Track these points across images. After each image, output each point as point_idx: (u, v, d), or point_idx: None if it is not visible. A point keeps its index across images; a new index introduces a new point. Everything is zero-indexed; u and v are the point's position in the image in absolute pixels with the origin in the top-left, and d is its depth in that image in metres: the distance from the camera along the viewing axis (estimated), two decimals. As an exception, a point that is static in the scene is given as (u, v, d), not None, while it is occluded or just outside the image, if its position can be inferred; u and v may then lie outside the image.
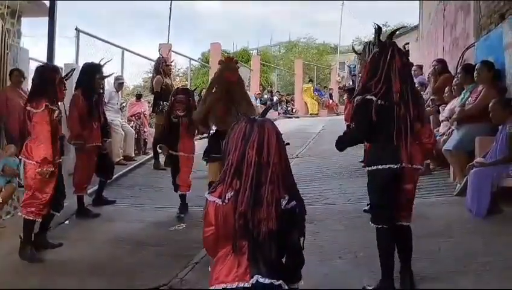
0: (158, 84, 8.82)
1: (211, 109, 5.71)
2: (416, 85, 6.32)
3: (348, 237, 5.13)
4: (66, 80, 5.36)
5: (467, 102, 6.31)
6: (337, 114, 19.60)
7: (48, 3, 7.80)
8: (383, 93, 3.66)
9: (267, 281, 2.23)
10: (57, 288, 4.36)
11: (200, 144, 7.36)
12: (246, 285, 2.23)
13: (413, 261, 3.76)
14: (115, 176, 7.69)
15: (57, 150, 5.07)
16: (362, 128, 3.85)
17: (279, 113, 18.87)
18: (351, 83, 10.87)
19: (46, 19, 7.79)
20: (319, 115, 20.81)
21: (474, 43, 7.55)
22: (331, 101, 22.39)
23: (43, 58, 7.87)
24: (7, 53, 7.70)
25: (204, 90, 11.63)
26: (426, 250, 4.45)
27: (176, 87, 9.32)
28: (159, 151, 6.91)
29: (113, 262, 5.00)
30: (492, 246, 4.53)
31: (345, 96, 12.24)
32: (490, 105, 5.61)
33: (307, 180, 7.54)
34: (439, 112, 7.33)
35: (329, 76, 26.22)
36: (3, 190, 6.06)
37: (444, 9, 10.18)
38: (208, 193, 2.33)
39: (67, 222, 6.20)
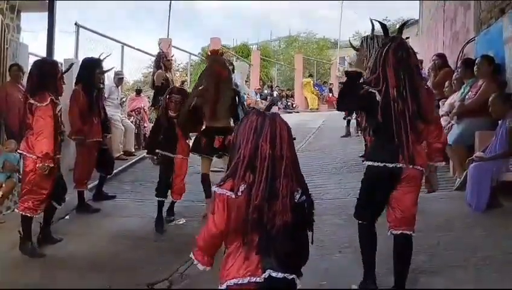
0: (159, 78, 8.81)
1: (202, 105, 5.68)
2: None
3: (348, 231, 5.11)
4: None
5: (466, 96, 6.31)
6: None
7: (47, -2, 7.78)
8: (384, 89, 3.56)
9: (280, 275, 2.22)
10: (58, 283, 4.37)
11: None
12: (258, 280, 2.22)
13: (413, 255, 3.72)
14: (115, 171, 7.70)
15: (57, 146, 5.06)
16: (346, 102, 3.80)
17: (279, 108, 18.85)
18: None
19: (46, 14, 7.77)
20: (319, 110, 20.79)
21: (474, 37, 7.54)
22: (331, 95, 22.36)
23: (43, 53, 7.85)
24: (7, 48, 7.68)
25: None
26: (426, 244, 4.47)
27: (176, 82, 9.33)
28: (147, 156, 6.35)
29: (113, 257, 5.02)
30: (492, 240, 4.55)
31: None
32: (490, 99, 5.61)
33: (307, 175, 7.36)
34: (439, 107, 7.32)
35: (330, 71, 26.18)
36: (3, 185, 6.07)
37: (444, 4, 10.16)
38: (217, 186, 2.29)
39: (67, 217, 6.22)
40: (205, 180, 5.85)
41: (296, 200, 2.27)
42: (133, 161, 9.18)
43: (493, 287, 3.76)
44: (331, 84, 23.64)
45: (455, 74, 7.05)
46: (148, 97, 10.98)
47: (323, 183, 7.19)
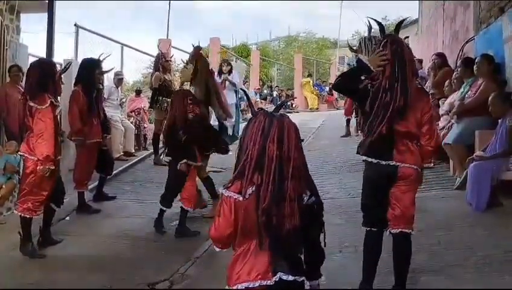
0: (157, 80, 8.82)
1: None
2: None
3: (349, 231, 5.14)
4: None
5: (466, 96, 6.31)
6: (337, 109, 19.59)
7: (47, -2, 7.78)
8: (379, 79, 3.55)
9: (291, 278, 2.21)
10: (58, 283, 4.38)
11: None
12: (269, 283, 2.20)
13: (413, 254, 3.71)
14: (115, 172, 7.70)
15: (58, 148, 5.06)
16: (341, 84, 3.79)
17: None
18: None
19: (45, 14, 7.77)
20: (319, 109, 20.79)
21: (474, 36, 7.54)
22: (330, 95, 22.35)
23: (42, 54, 7.85)
24: (6, 49, 7.69)
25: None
26: (426, 243, 4.48)
27: (176, 82, 9.29)
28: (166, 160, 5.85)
29: (113, 257, 5.02)
30: (492, 240, 4.55)
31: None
32: (490, 99, 5.61)
33: None
34: (439, 106, 7.32)
35: (329, 70, 26.19)
36: (3, 186, 6.08)
37: (444, 4, 10.16)
38: (224, 188, 2.28)
39: (68, 217, 6.22)
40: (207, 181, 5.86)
41: (304, 203, 2.25)
42: (133, 161, 9.18)
43: (493, 286, 3.76)
44: (330, 84, 23.62)
45: (455, 73, 7.05)
46: (148, 98, 10.98)
47: (324, 183, 7.18)
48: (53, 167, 4.85)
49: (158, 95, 8.79)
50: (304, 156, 2.34)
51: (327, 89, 22.73)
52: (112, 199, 6.99)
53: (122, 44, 11.08)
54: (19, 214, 4.94)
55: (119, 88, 9.86)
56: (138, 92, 11.24)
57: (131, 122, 10.20)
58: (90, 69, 6.46)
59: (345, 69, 13.01)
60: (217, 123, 6.95)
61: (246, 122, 2.37)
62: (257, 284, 2.21)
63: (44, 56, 7.62)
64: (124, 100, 10.74)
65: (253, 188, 2.21)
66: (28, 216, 4.93)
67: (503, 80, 6.09)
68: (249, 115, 2.50)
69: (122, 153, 9.41)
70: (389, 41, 3.60)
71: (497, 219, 5.04)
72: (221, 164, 7.61)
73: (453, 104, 6.60)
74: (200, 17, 47.03)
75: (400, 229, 3.61)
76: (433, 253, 4.38)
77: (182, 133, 5.49)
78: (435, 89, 7.67)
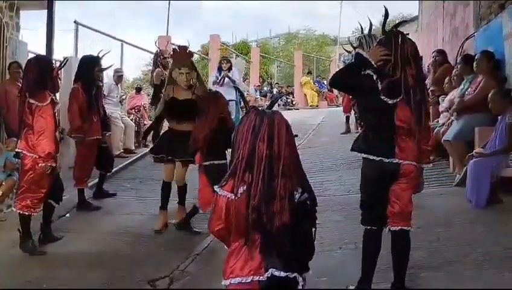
0: (158, 77, 8.82)
1: None
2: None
3: (348, 227, 5.14)
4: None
5: (466, 92, 6.31)
6: (337, 106, 19.57)
7: (46, -4, 7.78)
8: (397, 74, 3.49)
9: (282, 274, 2.22)
10: (58, 280, 4.39)
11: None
12: (261, 278, 2.22)
13: (413, 251, 3.73)
14: (115, 169, 7.71)
15: (57, 145, 5.06)
16: (340, 79, 3.73)
17: (278, 105, 18.85)
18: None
19: (45, 11, 7.77)
20: (319, 106, 20.78)
21: (474, 33, 7.54)
22: (330, 92, 22.33)
23: (42, 51, 7.86)
24: (6, 46, 7.68)
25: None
26: (426, 240, 4.48)
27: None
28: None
29: (114, 254, 5.03)
30: (491, 236, 4.55)
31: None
32: (489, 95, 5.61)
33: (306, 172, 7.41)
34: (439, 103, 7.33)
35: (329, 68, 26.15)
36: (3, 183, 6.08)
37: (444, 1, 10.14)
38: (219, 187, 2.30)
39: (68, 215, 6.23)
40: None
41: (296, 200, 2.26)
42: (133, 158, 9.19)
43: (493, 283, 3.76)
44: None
45: (455, 70, 7.05)
46: (148, 95, 10.98)
47: (323, 180, 7.20)
48: (54, 164, 4.85)
49: (160, 92, 8.79)
50: (296, 152, 2.35)
51: (327, 86, 22.69)
52: (112, 196, 7.00)
53: (122, 41, 11.07)
54: (18, 211, 4.94)
55: (119, 85, 9.86)
56: (138, 90, 11.23)
57: (131, 120, 10.20)
58: (90, 66, 6.46)
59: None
60: None
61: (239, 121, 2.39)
62: (249, 279, 2.23)
63: (44, 53, 7.63)
64: (124, 97, 10.75)
65: (245, 187, 2.23)
66: (26, 213, 4.94)
67: (503, 77, 6.10)
68: None
69: (122, 150, 9.41)
70: (405, 38, 3.57)
71: (497, 215, 5.05)
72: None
73: (452, 101, 6.61)
74: (200, 14, 46.97)
75: (399, 227, 3.61)
76: (432, 250, 4.38)
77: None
78: (434, 85, 7.68)
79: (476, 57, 6.30)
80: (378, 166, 3.55)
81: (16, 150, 5.22)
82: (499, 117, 5.51)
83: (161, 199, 5.75)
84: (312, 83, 21.83)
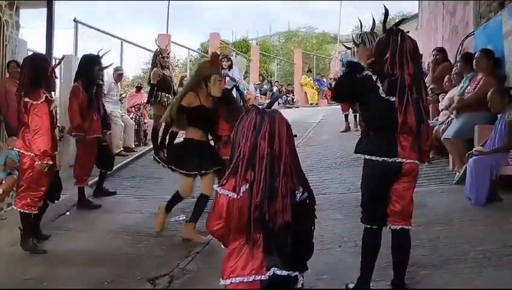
0: (155, 76, 8.82)
1: None
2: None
3: (348, 226, 5.15)
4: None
5: (466, 91, 6.32)
6: (338, 104, 19.54)
7: (46, -6, 7.78)
8: (395, 75, 3.49)
9: (284, 273, 2.23)
10: (59, 278, 4.40)
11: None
12: (263, 278, 2.23)
13: (413, 249, 3.74)
14: (115, 167, 7.72)
15: (54, 142, 5.06)
16: (341, 92, 3.79)
17: (278, 104, 18.85)
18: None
19: (45, 10, 7.76)
20: (319, 104, 20.77)
21: (474, 31, 7.54)
22: (330, 91, 22.32)
23: (42, 49, 7.86)
24: (6, 45, 7.68)
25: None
26: (425, 238, 4.49)
27: (177, 78, 9.29)
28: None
29: (114, 252, 5.04)
30: (491, 234, 4.56)
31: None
32: (489, 94, 5.62)
33: (306, 170, 7.39)
34: (438, 101, 7.33)
35: (329, 65, 26.14)
36: (3, 182, 6.09)
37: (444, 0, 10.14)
38: (219, 186, 2.29)
39: (68, 213, 6.24)
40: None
41: (297, 199, 2.27)
42: (133, 157, 9.20)
43: (493, 280, 3.77)
44: (330, 78, 23.60)
45: (454, 68, 7.05)
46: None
47: (323, 178, 7.20)
48: (51, 162, 4.85)
49: (157, 91, 8.79)
50: (295, 151, 2.35)
51: (327, 84, 22.67)
52: (112, 194, 7.01)
53: (121, 39, 11.07)
54: (19, 209, 4.95)
55: (118, 83, 9.86)
56: (139, 88, 11.23)
57: (131, 118, 10.21)
58: (90, 65, 6.47)
59: (339, 66, 12.94)
60: None
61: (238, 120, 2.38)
62: (251, 279, 2.23)
63: (44, 52, 7.63)
64: (123, 95, 10.75)
65: (247, 185, 2.23)
66: (27, 212, 4.94)
67: (503, 75, 6.10)
68: None
69: (122, 149, 9.42)
70: (405, 36, 3.58)
71: (497, 213, 5.06)
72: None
73: (452, 99, 6.61)
74: (200, 12, 46.94)
75: (400, 226, 3.62)
76: (432, 248, 4.39)
77: None
78: (434, 84, 7.68)
79: (475, 56, 6.30)
80: (381, 165, 3.55)
81: (15, 149, 5.23)
82: (499, 115, 5.52)
83: (169, 203, 5.48)
84: (312, 82, 21.82)
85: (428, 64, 8.15)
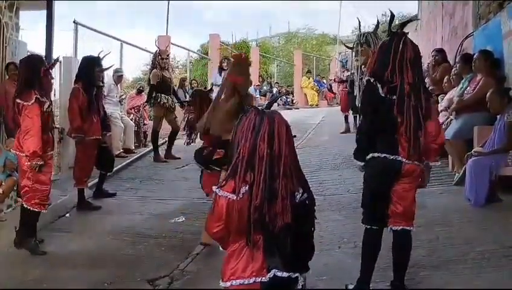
0: (154, 77, 8.84)
1: None
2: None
3: (347, 227, 5.16)
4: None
5: (465, 91, 6.32)
6: (338, 104, 19.54)
7: (46, -4, 7.79)
8: (395, 82, 3.50)
9: (285, 274, 2.23)
10: (59, 280, 4.40)
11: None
12: (264, 279, 2.22)
13: (412, 250, 3.73)
14: (115, 169, 7.71)
15: (49, 142, 5.08)
16: (368, 120, 3.67)
17: (278, 105, 18.85)
18: (344, 76, 10.96)
19: (45, 12, 7.77)
20: (319, 105, 20.78)
21: (473, 32, 7.54)
22: (330, 92, 22.32)
23: (42, 51, 7.85)
24: (5, 47, 7.68)
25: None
26: (425, 239, 4.50)
27: (177, 79, 9.27)
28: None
29: (114, 254, 5.05)
30: (490, 235, 4.57)
31: (340, 87, 12.21)
32: (488, 95, 5.62)
33: (306, 171, 7.41)
34: (438, 102, 7.33)
35: (329, 66, 26.15)
36: (3, 183, 6.09)
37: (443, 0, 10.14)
38: (218, 188, 2.28)
39: (68, 215, 6.24)
40: None
41: (297, 200, 2.26)
42: (133, 158, 9.19)
43: (492, 281, 3.78)
44: (330, 80, 23.60)
45: (454, 69, 7.06)
46: (148, 95, 10.95)
47: (323, 179, 7.20)
48: (41, 162, 4.87)
49: (156, 92, 8.81)
50: (295, 152, 2.34)
51: (327, 85, 22.68)
52: (112, 195, 7.00)
53: (121, 41, 11.07)
54: (29, 207, 4.95)
55: (118, 85, 9.87)
56: (140, 91, 11.21)
57: (131, 119, 10.20)
58: (90, 67, 6.48)
59: (339, 67, 12.92)
60: None
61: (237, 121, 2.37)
62: (252, 281, 2.23)
63: (44, 53, 7.63)
64: (123, 97, 10.75)
65: (247, 187, 2.22)
66: (37, 210, 4.97)
67: (502, 76, 6.10)
68: None
69: (122, 150, 9.42)
70: (407, 42, 3.57)
71: (496, 214, 5.06)
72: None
73: (452, 100, 6.61)
74: (199, 13, 46.92)
75: (401, 227, 3.62)
76: (431, 248, 4.40)
77: None
78: (434, 85, 7.68)
79: (474, 57, 6.31)
80: (381, 163, 3.56)
81: (11, 150, 5.25)
82: (498, 116, 5.52)
83: None
84: (312, 83, 21.82)
85: (427, 66, 8.16)
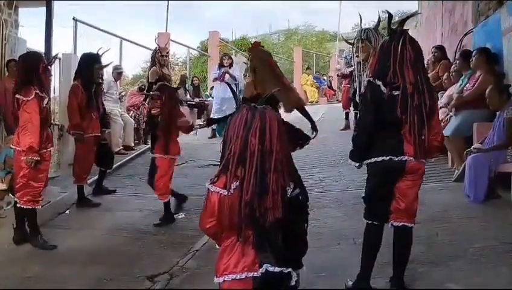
0: (153, 74, 8.83)
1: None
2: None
3: (347, 223, 5.16)
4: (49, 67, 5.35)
5: (465, 88, 6.32)
6: (338, 100, 19.53)
7: (44, -7, 7.78)
8: (397, 82, 3.48)
9: (277, 269, 2.23)
10: (59, 276, 4.41)
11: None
12: (256, 274, 2.23)
13: (412, 245, 3.72)
14: (114, 166, 7.72)
15: (48, 138, 5.08)
16: (368, 118, 3.64)
17: (278, 102, 18.79)
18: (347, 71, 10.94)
19: (44, 9, 7.76)
20: (319, 102, 20.76)
21: (473, 29, 7.54)
22: (330, 89, 22.30)
23: (41, 48, 7.85)
24: (5, 44, 7.68)
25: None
26: (424, 235, 4.50)
27: (177, 76, 9.28)
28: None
29: (113, 250, 5.05)
30: (489, 231, 4.58)
31: (343, 83, 12.18)
32: (487, 92, 5.62)
33: (306, 168, 7.56)
34: (437, 99, 7.33)
35: (329, 63, 26.12)
36: (3, 180, 6.09)
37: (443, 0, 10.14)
38: (210, 183, 2.29)
39: (67, 211, 6.25)
40: None
41: (288, 195, 2.27)
42: (133, 155, 9.19)
43: (491, 277, 3.78)
44: (330, 76, 23.58)
45: (453, 65, 7.06)
46: (149, 92, 10.93)
47: (323, 176, 7.21)
48: (37, 158, 4.87)
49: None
50: (287, 147, 2.34)
51: (327, 82, 22.66)
52: (112, 192, 7.01)
53: (121, 38, 11.06)
54: (23, 207, 4.97)
55: (118, 82, 9.86)
56: (141, 89, 11.20)
57: (130, 116, 10.20)
58: (90, 64, 6.47)
59: (342, 64, 12.88)
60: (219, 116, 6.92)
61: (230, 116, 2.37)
62: (244, 275, 2.23)
63: (43, 50, 7.63)
64: (123, 94, 10.75)
65: (238, 182, 2.23)
66: (30, 207, 4.97)
67: (502, 73, 6.10)
68: None
69: (121, 147, 9.42)
70: (407, 41, 3.54)
71: (495, 210, 5.07)
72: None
73: (451, 97, 6.62)
74: (199, 10, 46.83)
75: (402, 223, 3.63)
76: (430, 245, 4.40)
77: None
78: (433, 82, 7.67)
79: (473, 54, 6.31)
80: (388, 163, 3.54)
81: (10, 146, 5.26)
82: (497, 113, 5.52)
83: None
84: (312, 80, 21.79)
85: (427, 62, 8.15)
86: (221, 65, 10.68)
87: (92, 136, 6.46)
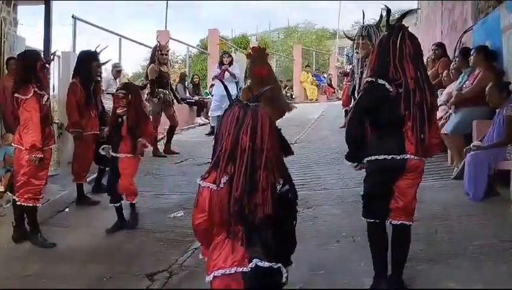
0: (152, 72, 8.84)
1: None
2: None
3: (346, 221, 5.16)
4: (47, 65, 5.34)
5: (464, 85, 6.31)
6: (338, 98, 19.51)
7: (43, -10, 7.76)
8: (399, 79, 3.47)
9: (266, 264, 2.24)
10: (58, 274, 4.40)
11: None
12: (245, 269, 2.23)
13: (410, 244, 3.70)
14: (114, 164, 7.69)
15: (50, 135, 5.08)
16: (359, 110, 3.66)
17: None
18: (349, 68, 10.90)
19: (43, 6, 7.75)
20: (318, 100, 20.74)
21: (472, 26, 7.53)
22: (330, 87, 22.28)
23: (40, 46, 7.84)
24: (4, 42, 7.67)
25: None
26: (424, 233, 4.50)
27: (177, 74, 9.27)
28: (102, 152, 5.81)
29: (112, 248, 5.05)
30: (489, 229, 4.58)
31: (344, 81, 12.18)
32: (487, 89, 5.62)
33: (305, 166, 7.55)
34: (437, 96, 7.32)
35: (329, 61, 26.10)
36: (2, 178, 6.09)
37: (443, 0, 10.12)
38: (201, 179, 2.31)
39: (67, 209, 6.23)
40: None
41: (278, 191, 2.28)
42: (132, 153, 9.16)
43: (490, 275, 3.78)
44: (330, 74, 23.57)
45: (453, 63, 7.05)
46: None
47: (322, 174, 7.20)
48: (40, 156, 4.87)
49: (154, 87, 8.80)
50: (278, 146, 2.35)
51: (326, 80, 22.65)
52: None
53: (120, 36, 11.05)
54: (23, 204, 4.96)
55: (117, 80, 9.84)
56: (142, 88, 11.16)
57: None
58: (88, 61, 6.46)
59: (344, 61, 12.88)
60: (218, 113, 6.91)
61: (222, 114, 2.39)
62: (233, 270, 2.24)
63: (42, 48, 7.62)
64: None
65: (227, 177, 2.24)
66: (31, 205, 4.98)
67: (501, 70, 6.09)
68: None
69: (121, 146, 9.39)
70: (406, 36, 3.53)
71: (494, 208, 5.07)
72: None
73: (451, 94, 6.61)
74: (199, 8, 46.75)
75: (400, 221, 3.63)
76: (430, 242, 4.40)
77: None
78: (432, 79, 7.66)
79: (471, 52, 6.31)
80: (388, 163, 3.53)
81: (13, 144, 5.26)
82: (497, 110, 5.52)
83: None
84: (311, 78, 21.77)
85: (427, 60, 8.14)
86: (221, 63, 10.68)
87: (91, 134, 6.45)
